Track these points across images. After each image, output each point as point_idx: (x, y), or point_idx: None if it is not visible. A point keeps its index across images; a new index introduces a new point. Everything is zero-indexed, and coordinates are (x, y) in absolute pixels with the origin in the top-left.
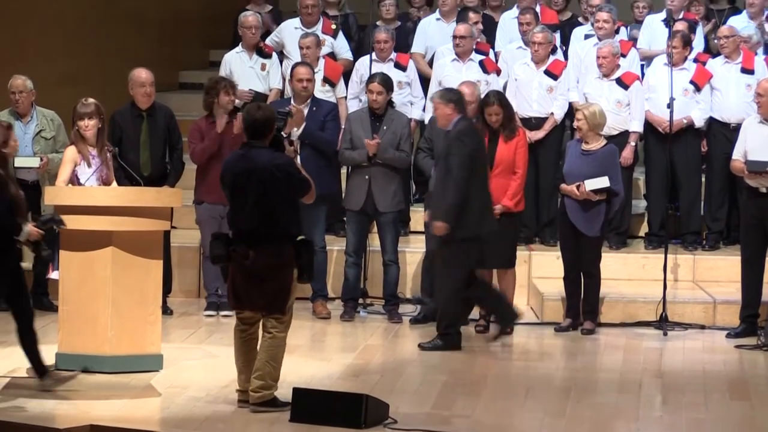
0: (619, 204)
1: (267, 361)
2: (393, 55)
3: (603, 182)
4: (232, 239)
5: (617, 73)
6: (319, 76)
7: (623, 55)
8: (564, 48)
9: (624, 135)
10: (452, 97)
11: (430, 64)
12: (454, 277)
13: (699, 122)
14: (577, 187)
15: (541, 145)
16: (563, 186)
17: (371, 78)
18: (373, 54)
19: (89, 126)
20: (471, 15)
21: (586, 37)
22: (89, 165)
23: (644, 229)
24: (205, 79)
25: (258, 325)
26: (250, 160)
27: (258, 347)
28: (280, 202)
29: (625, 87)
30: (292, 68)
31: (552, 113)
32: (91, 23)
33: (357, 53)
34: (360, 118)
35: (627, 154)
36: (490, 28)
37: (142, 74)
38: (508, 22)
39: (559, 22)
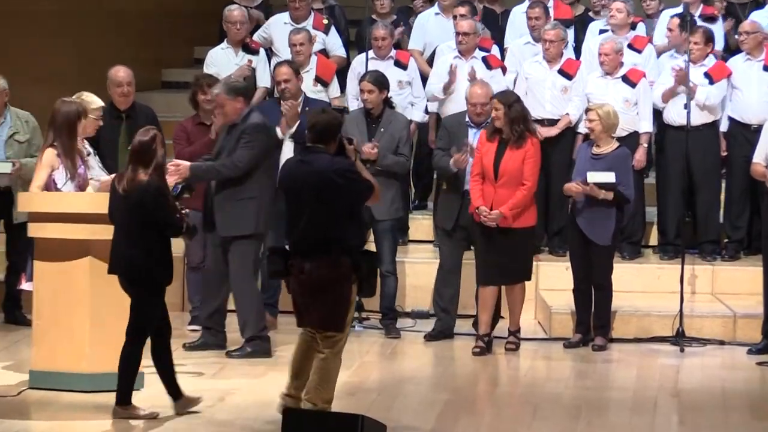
0: (631, 211)
1: (317, 384)
2: (392, 53)
3: (608, 177)
4: (290, 252)
5: (622, 71)
6: (310, 75)
7: (638, 51)
8: (574, 45)
9: (633, 136)
10: (239, 88)
11: (429, 62)
12: (249, 278)
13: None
14: (581, 183)
15: (551, 150)
16: (566, 185)
17: (362, 77)
18: (371, 51)
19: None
20: (460, 8)
21: (601, 32)
22: (73, 170)
23: (658, 238)
24: (191, 77)
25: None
26: (308, 165)
27: (313, 367)
28: (339, 210)
29: (632, 85)
30: (274, 67)
31: (567, 113)
32: (70, 20)
33: (347, 49)
34: (356, 119)
35: (640, 156)
36: (491, 22)
37: (119, 73)
38: (518, 16)
39: (573, 17)
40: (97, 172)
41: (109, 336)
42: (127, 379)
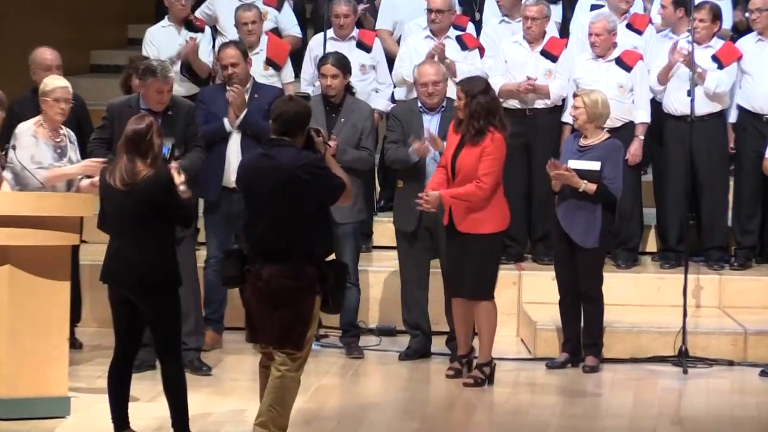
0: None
1: (271, 405)
2: (355, 32)
3: (591, 165)
4: (247, 256)
5: (615, 52)
6: (260, 58)
7: (639, 32)
8: (560, 22)
9: (629, 127)
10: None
11: (400, 44)
12: None
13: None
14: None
15: (534, 144)
16: (548, 168)
17: (323, 59)
18: (330, 31)
19: None
20: None
21: (593, 7)
22: None
23: (658, 243)
24: (123, 59)
25: None
26: (272, 159)
27: (267, 388)
28: (305, 210)
29: (627, 68)
30: (219, 49)
31: (549, 94)
32: None
33: (303, 28)
34: (313, 108)
35: (634, 149)
36: None
37: (46, 55)
38: None
39: None
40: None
41: (29, 356)
42: (185, 412)
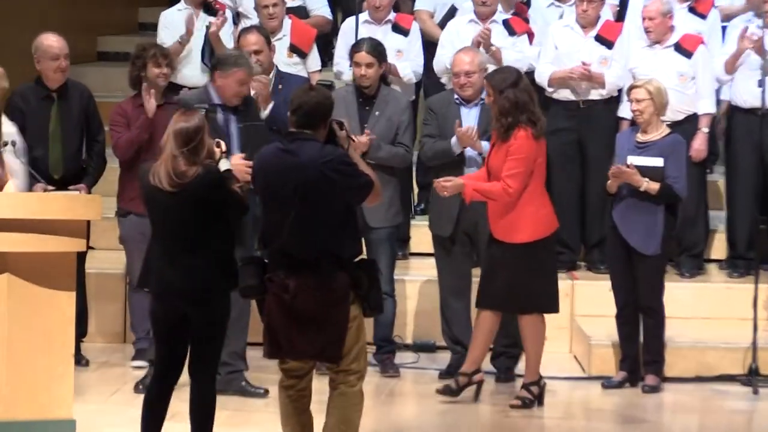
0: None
1: (339, 424)
2: (392, 16)
3: (654, 161)
4: (268, 264)
5: (673, 37)
6: (284, 44)
7: (702, 16)
8: (615, 5)
9: (692, 121)
10: None
11: (444, 27)
12: None
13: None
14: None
15: (587, 142)
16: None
17: (357, 45)
18: (365, 13)
19: None
20: None
21: None
22: None
23: (726, 250)
24: (133, 46)
25: (310, 376)
26: (293, 155)
27: (328, 407)
28: (332, 212)
29: (688, 54)
30: (239, 35)
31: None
32: None
33: (333, 9)
34: (344, 99)
35: (698, 144)
36: None
37: (53, 42)
38: None
39: None
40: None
41: (30, 374)
42: None
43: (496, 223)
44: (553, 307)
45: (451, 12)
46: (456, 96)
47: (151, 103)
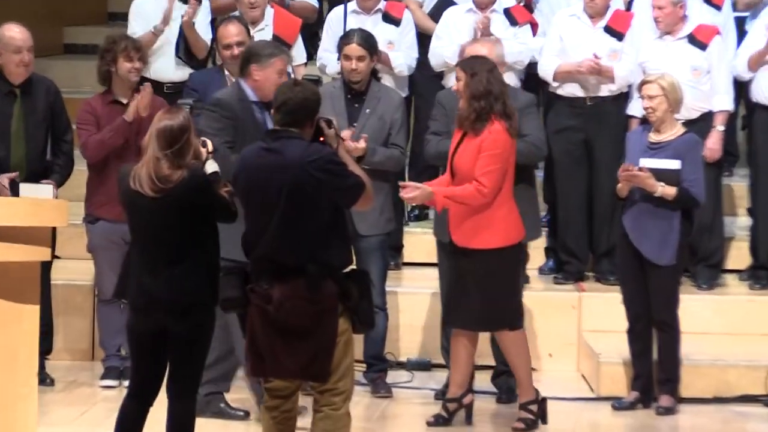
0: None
1: None
2: (382, 4)
3: (670, 164)
4: (251, 274)
5: (686, 28)
6: (266, 35)
7: (717, 6)
8: None
9: (707, 119)
10: None
11: (434, 17)
12: None
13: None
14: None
15: (594, 141)
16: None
17: (347, 37)
18: (352, 2)
19: None
20: None
21: None
22: None
23: (748, 259)
24: (102, 38)
25: (296, 397)
26: (276, 155)
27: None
28: (318, 216)
29: (702, 46)
30: (216, 27)
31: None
32: None
33: None
34: (332, 96)
35: (712, 144)
36: None
37: (15, 34)
38: None
39: None
40: None
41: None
42: None
43: (461, 227)
44: (521, 321)
45: (442, 1)
46: None
47: (138, 107)
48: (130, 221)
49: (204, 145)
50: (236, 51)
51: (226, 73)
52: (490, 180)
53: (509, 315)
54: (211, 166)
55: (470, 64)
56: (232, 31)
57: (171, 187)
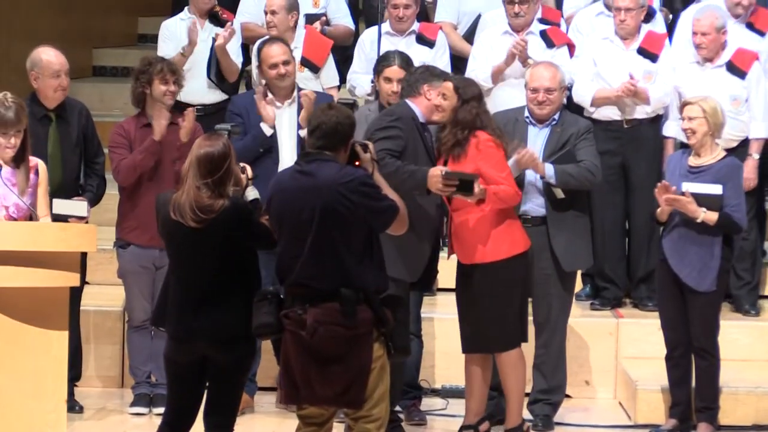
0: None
1: None
2: (416, 26)
3: (713, 189)
4: (285, 299)
5: (724, 55)
6: (295, 56)
7: (760, 32)
8: (663, 12)
9: (745, 146)
10: None
11: (469, 39)
12: None
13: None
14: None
15: (631, 163)
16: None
17: (386, 60)
18: (386, 23)
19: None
20: None
21: None
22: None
23: None
24: (133, 60)
25: (330, 424)
26: (310, 177)
27: None
28: (352, 239)
29: (741, 75)
30: (259, 48)
31: (649, 99)
32: None
33: (356, 20)
34: (367, 119)
35: (747, 172)
36: None
37: (52, 58)
38: None
39: None
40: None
41: (18, 421)
42: None
43: (466, 244)
44: (519, 341)
45: (477, 23)
46: (527, 114)
47: (159, 126)
48: (169, 250)
49: (243, 171)
50: (282, 69)
51: (256, 94)
52: (512, 182)
53: (512, 333)
54: (251, 193)
55: (464, 88)
56: (277, 51)
57: (213, 218)
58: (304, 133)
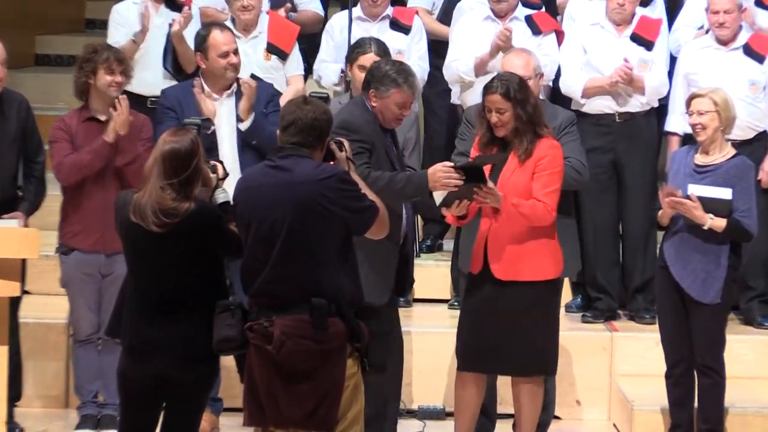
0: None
1: None
2: (389, 11)
3: (721, 193)
4: (249, 310)
5: (740, 38)
6: (259, 43)
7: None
8: None
9: (762, 140)
10: None
11: (444, 21)
12: None
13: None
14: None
15: (627, 160)
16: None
17: (360, 46)
18: (357, 7)
19: None
20: None
21: None
22: None
23: None
24: (80, 48)
25: None
26: (285, 173)
27: None
28: (327, 243)
29: (760, 59)
30: (203, 34)
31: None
32: None
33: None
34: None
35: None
36: None
37: None
38: None
39: None
40: None
41: None
42: None
43: (503, 259)
44: (555, 368)
45: (450, 4)
46: None
47: (112, 126)
48: (127, 255)
49: (214, 170)
50: (234, 59)
51: (195, 87)
52: (553, 200)
53: (550, 358)
54: (221, 195)
55: (510, 89)
56: (228, 38)
57: (177, 222)
58: (243, 126)
